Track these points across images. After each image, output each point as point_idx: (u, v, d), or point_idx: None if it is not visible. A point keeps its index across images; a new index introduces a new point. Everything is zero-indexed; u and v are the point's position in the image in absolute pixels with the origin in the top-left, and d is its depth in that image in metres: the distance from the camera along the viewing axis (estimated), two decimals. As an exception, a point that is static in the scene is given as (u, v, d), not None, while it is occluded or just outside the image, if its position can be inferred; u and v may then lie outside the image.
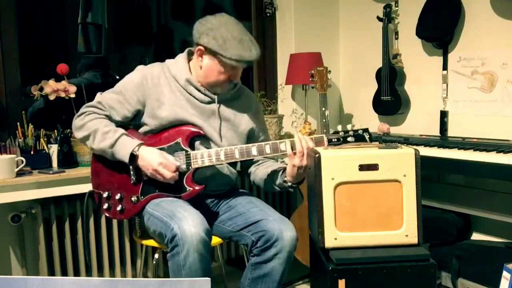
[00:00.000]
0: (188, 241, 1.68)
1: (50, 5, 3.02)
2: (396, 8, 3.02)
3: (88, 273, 2.47)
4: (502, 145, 2.31)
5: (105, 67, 2.96)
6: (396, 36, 3.05)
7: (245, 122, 2.05)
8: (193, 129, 1.93)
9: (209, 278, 1.02)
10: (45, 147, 2.36)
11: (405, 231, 1.84)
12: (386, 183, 1.83)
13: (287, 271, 1.89)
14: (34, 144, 2.32)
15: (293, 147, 1.86)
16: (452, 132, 2.80)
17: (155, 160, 1.83)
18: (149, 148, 1.88)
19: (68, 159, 2.36)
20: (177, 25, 3.44)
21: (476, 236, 2.73)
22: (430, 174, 2.78)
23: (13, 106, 2.45)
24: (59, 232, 2.38)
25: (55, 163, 2.37)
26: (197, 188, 1.90)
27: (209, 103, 1.99)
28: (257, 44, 1.91)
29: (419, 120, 2.98)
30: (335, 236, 1.83)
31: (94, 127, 1.90)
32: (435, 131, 2.85)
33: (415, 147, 1.93)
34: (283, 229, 1.84)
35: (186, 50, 2.03)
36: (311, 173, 1.91)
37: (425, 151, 2.35)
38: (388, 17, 2.95)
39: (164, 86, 1.95)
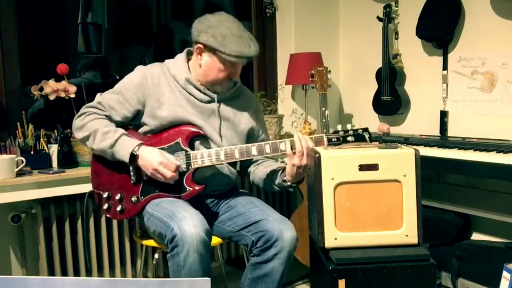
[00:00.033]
0: (188, 242, 1.68)
1: (50, 5, 3.02)
2: (396, 8, 3.02)
3: (88, 273, 2.47)
4: (502, 145, 2.31)
5: (105, 67, 2.96)
6: (396, 36, 3.05)
7: (244, 121, 2.06)
8: (193, 129, 1.93)
9: (209, 278, 1.02)
10: (45, 147, 2.36)
11: (405, 231, 1.84)
12: (386, 183, 1.83)
13: (287, 271, 1.89)
14: (34, 144, 2.32)
15: (292, 147, 1.86)
16: (452, 132, 2.80)
17: (155, 160, 1.84)
18: (149, 148, 1.88)
19: (68, 159, 2.36)
20: (177, 25, 3.44)
21: (476, 236, 2.73)
22: (430, 174, 2.78)
23: (13, 106, 2.45)
24: (59, 232, 2.38)
25: (55, 163, 2.37)
26: (197, 188, 1.90)
27: (208, 102, 1.99)
28: (256, 41, 1.92)
29: (419, 120, 2.98)
30: (335, 236, 1.83)
31: (94, 128, 1.90)
32: (435, 131, 2.85)
33: (415, 147, 1.93)
34: (283, 229, 1.84)
35: (185, 50, 2.03)
36: (311, 173, 1.91)
37: (425, 151, 2.35)
38: (388, 17, 2.95)
39: (164, 86, 1.96)
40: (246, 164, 2.11)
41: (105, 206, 1.96)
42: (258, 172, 2.07)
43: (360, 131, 1.89)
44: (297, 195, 3.11)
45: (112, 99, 1.95)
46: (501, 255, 2.29)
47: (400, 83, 3.00)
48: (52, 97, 2.37)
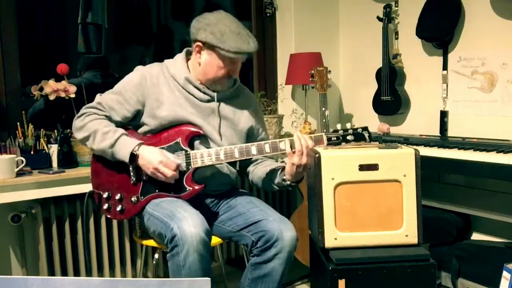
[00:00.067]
0: (188, 241, 1.68)
1: (50, 5, 3.02)
2: (396, 8, 3.02)
3: (88, 273, 2.47)
4: (502, 145, 2.31)
5: (105, 67, 2.96)
6: (396, 36, 3.05)
7: (244, 120, 2.06)
8: (193, 129, 1.94)
9: (209, 278, 1.02)
10: (45, 147, 2.36)
11: (405, 231, 1.84)
12: (386, 183, 1.83)
13: (287, 271, 1.89)
14: (34, 144, 2.32)
15: (292, 146, 1.86)
16: (452, 132, 2.80)
17: (156, 159, 1.84)
18: (149, 147, 1.88)
19: (68, 159, 2.36)
20: (177, 25, 3.44)
21: (476, 236, 2.73)
22: (430, 174, 2.78)
23: (13, 106, 2.45)
24: (59, 232, 2.38)
25: (55, 163, 2.37)
26: (196, 187, 1.90)
27: (208, 101, 1.99)
28: (255, 38, 1.92)
29: (419, 120, 2.98)
30: (335, 236, 1.83)
31: (94, 128, 1.90)
32: (435, 131, 2.85)
33: (415, 147, 1.93)
34: (283, 229, 1.84)
35: (184, 50, 2.03)
36: (311, 173, 1.91)
37: (425, 151, 2.35)
38: (388, 17, 2.95)
39: (163, 85, 1.96)
40: (245, 163, 2.11)
41: (105, 206, 1.96)
42: (257, 172, 2.07)
43: (359, 130, 1.89)
44: (297, 195, 3.11)
45: (112, 100, 1.95)
46: (501, 255, 2.29)
47: (400, 83, 3.00)
48: (52, 97, 2.37)
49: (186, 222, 1.71)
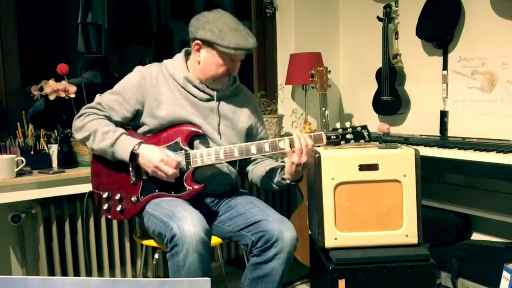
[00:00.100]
0: (187, 241, 1.68)
1: (50, 5, 3.02)
2: (396, 8, 3.02)
3: (88, 273, 2.47)
4: (502, 145, 2.31)
5: (105, 66, 2.96)
6: (396, 36, 3.05)
7: (243, 119, 2.06)
8: (192, 129, 1.94)
9: (209, 278, 1.02)
10: (45, 147, 2.36)
11: (405, 231, 1.84)
12: (386, 183, 1.83)
13: (287, 271, 1.89)
14: (34, 144, 2.32)
15: (291, 145, 1.86)
16: (452, 132, 2.80)
17: (156, 157, 1.84)
18: (149, 146, 1.88)
19: (68, 159, 2.36)
20: (177, 25, 3.44)
21: (476, 236, 2.73)
22: (430, 174, 2.78)
23: (13, 106, 2.45)
24: (59, 232, 2.38)
25: (55, 163, 2.37)
26: (196, 187, 1.90)
27: (207, 100, 1.99)
28: (253, 35, 1.93)
29: (419, 120, 2.98)
30: (335, 236, 1.83)
31: (94, 128, 1.90)
32: (435, 131, 2.85)
33: (415, 147, 1.93)
34: (283, 229, 1.84)
35: (183, 50, 2.04)
36: (311, 173, 1.91)
37: (425, 151, 2.35)
38: (388, 17, 2.95)
39: (163, 85, 1.96)
40: (244, 163, 2.12)
41: (105, 206, 1.96)
42: (256, 171, 2.07)
43: (359, 129, 1.89)
44: (297, 195, 3.11)
45: (111, 100, 1.95)
46: (501, 255, 2.29)
47: (400, 83, 3.00)
48: (52, 97, 2.37)
49: (185, 222, 1.71)
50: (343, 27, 3.40)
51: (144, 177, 1.93)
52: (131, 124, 2.01)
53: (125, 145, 1.86)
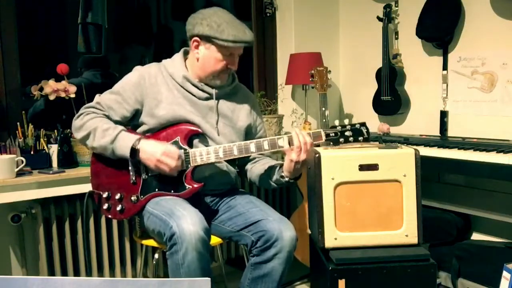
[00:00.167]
0: (186, 240, 1.68)
1: (50, 5, 3.02)
2: (396, 8, 3.02)
3: (88, 273, 2.47)
4: (502, 145, 2.31)
5: (105, 66, 2.96)
6: (396, 36, 3.05)
7: (242, 118, 2.06)
8: (192, 128, 1.94)
9: (209, 278, 1.02)
10: (45, 147, 2.36)
11: (405, 231, 1.84)
12: (386, 183, 1.83)
13: (287, 271, 1.89)
14: (34, 144, 2.32)
15: (290, 142, 1.86)
16: (452, 132, 2.80)
17: (158, 151, 1.83)
18: (149, 141, 1.88)
19: (68, 159, 2.36)
20: (177, 25, 3.44)
21: (476, 236, 2.73)
22: (430, 174, 2.78)
23: (13, 106, 2.45)
24: (59, 232, 2.38)
25: (55, 163, 2.37)
26: (196, 186, 1.90)
27: (206, 99, 1.99)
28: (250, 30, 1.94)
29: (419, 120, 2.98)
30: (335, 236, 1.83)
31: (94, 126, 1.90)
32: (435, 131, 2.85)
33: (415, 147, 1.93)
34: (282, 229, 1.84)
35: (182, 49, 2.04)
36: (311, 173, 1.91)
37: (425, 151, 2.35)
38: (388, 17, 2.95)
39: (162, 85, 1.96)
40: (243, 161, 2.12)
41: (105, 206, 1.96)
42: (255, 170, 2.07)
43: (357, 126, 1.88)
44: (297, 195, 3.11)
45: (111, 99, 1.95)
46: (501, 255, 2.29)
47: (400, 83, 3.00)
48: (52, 97, 2.37)
49: (185, 220, 1.71)
50: (343, 27, 3.40)
51: (144, 176, 1.93)
52: (130, 123, 2.01)
53: (125, 142, 1.87)
